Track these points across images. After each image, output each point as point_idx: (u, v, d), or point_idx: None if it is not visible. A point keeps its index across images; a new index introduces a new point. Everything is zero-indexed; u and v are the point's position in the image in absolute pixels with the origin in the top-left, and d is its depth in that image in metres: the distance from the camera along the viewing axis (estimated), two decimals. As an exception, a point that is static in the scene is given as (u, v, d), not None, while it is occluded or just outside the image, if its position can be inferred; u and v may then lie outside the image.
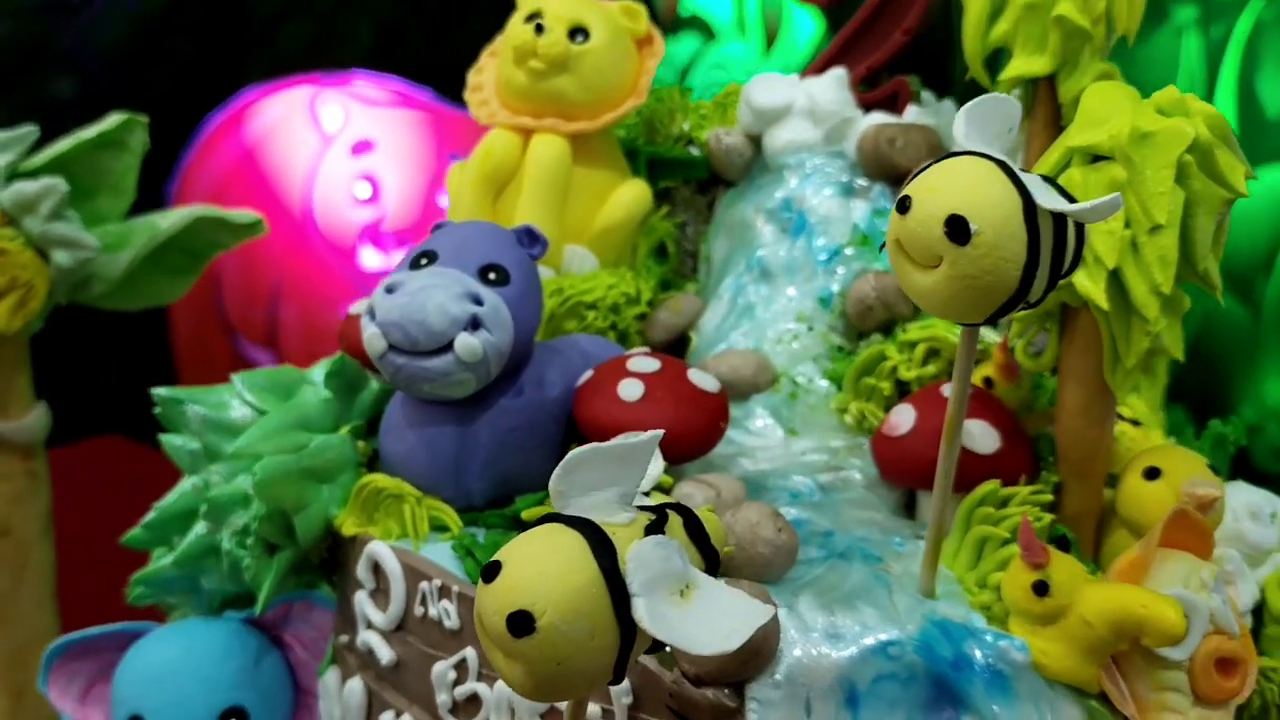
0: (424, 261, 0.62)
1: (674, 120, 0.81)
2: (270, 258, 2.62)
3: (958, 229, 0.42)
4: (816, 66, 0.78)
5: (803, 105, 0.75)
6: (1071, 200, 0.45)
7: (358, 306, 0.73)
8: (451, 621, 0.57)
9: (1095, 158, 0.53)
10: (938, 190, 0.43)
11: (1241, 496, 0.58)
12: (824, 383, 0.70)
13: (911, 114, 0.75)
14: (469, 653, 0.56)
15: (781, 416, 0.69)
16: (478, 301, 0.59)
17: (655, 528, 0.40)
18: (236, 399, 0.68)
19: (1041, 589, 0.49)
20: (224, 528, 0.65)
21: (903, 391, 0.66)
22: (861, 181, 0.74)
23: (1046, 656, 0.50)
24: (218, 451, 0.66)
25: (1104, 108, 0.53)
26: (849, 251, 0.72)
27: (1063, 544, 0.53)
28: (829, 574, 0.54)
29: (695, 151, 0.81)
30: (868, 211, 0.73)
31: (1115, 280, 0.52)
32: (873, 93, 0.77)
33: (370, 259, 2.45)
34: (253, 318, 2.53)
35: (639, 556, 0.38)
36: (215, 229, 0.89)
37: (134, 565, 0.71)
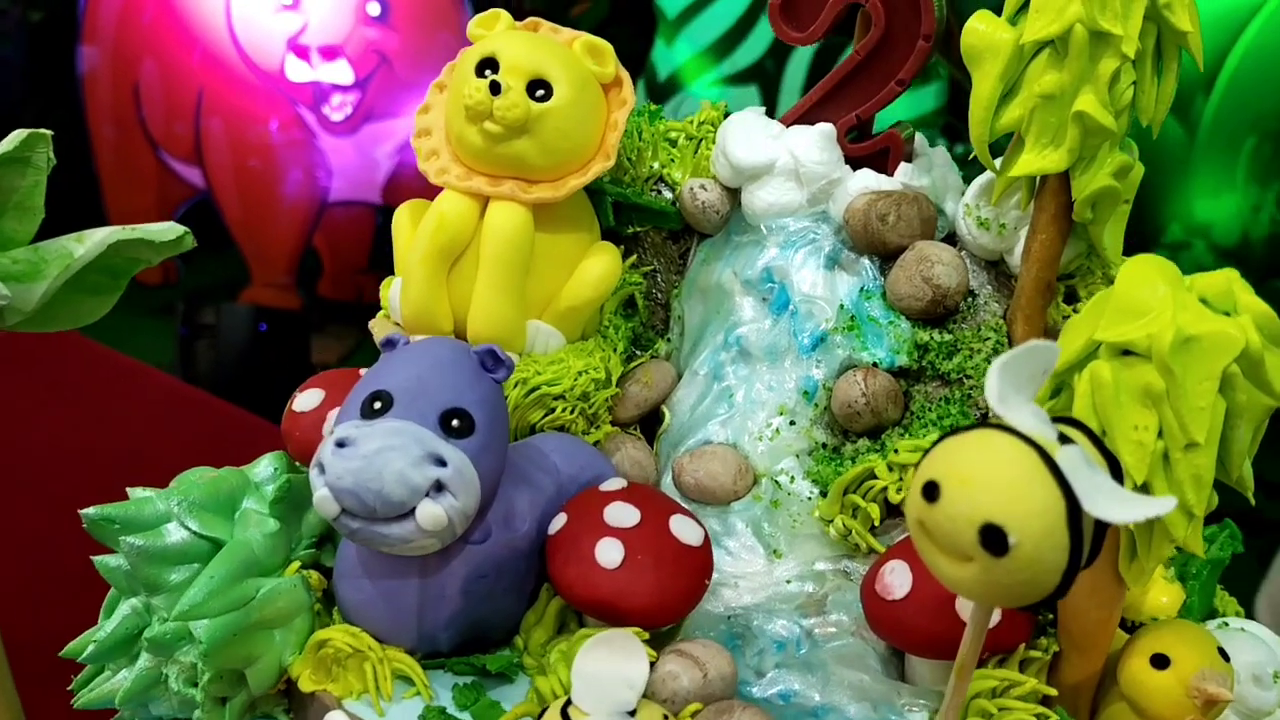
0: (377, 406, 0.56)
1: (643, 160, 0.74)
2: (190, 70, 2.47)
3: (994, 540, 0.38)
4: (800, 112, 0.71)
5: (786, 164, 0.68)
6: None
7: (301, 402, 0.66)
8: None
9: (1127, 350, 0.48)
10: (971, 486, 0.38)
11: (1243, 657, 0.56)
12: (806, 484, 0.66)
13: (903, 172, 0.69)
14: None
15: (763, 533, 0.65)
16: (440, 462, 0.54)
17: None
18: (174, 522, 0.62)
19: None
20: (169, 664, 0.61)
21: (891, 509, 0.63)
22: (849, 253, 0.68)
23: None
24: (157, 583, 0.61)
25: (1141, 295, 0.47)
26: (836, 339, 0.67)
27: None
28: (822, 774, 0.51)
29: (667, 194, 0.74)
30: (855, 290, 0.67)
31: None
32: (862, 145, 0.70)
33: (295, 71, 2.32)
34: (176, 132, 2.42)
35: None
36: (136, 247, 0.80)
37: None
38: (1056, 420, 0.41)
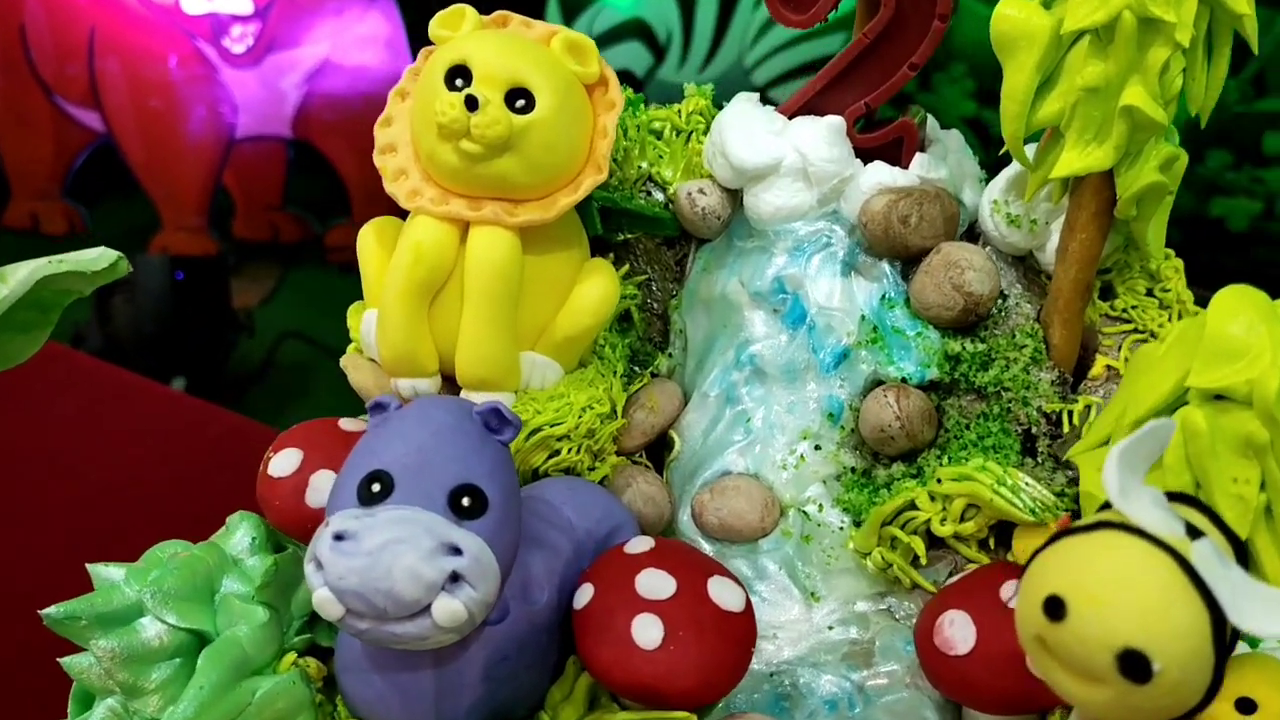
0: (376, 489, 0.49)
1: (630, 160, 0.67)
2: (79, 6, 2.31)
3: (1135, 667, 0.33)
4: (802, 101, 0.64)
5: (793, 163, 0.62)
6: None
7: (277, 466, 0.60)
8: None
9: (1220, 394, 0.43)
10: (1105, 607, 0.34)
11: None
12: (836, 513, 0.61)
13: (919, 164, 0.63)
14: None
15: (796, 573, 0.60)
16: (455, 551, 0.48)
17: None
18: (148, 616, 0.56)
19: None
20: (158, 769, 0.55)
21: (933, 540, 0.58)
22: (866, 257, 0.63)
23: None
24: (137, 686, 0.55)
25: (1237, 334, 0.43)
26: (860, 354, 0.61)
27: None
28: None
29: (658, 195, 0.67)
30: (876, 298, 0.62)
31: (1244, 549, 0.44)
32: (872, 135, 0.64)
33: (191, 2, 2.19)
34: (69, 74, 2.27)
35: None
36: (65, 279, 0.72)
37: None
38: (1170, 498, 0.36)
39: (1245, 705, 0.49)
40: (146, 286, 2.03)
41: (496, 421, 0.52)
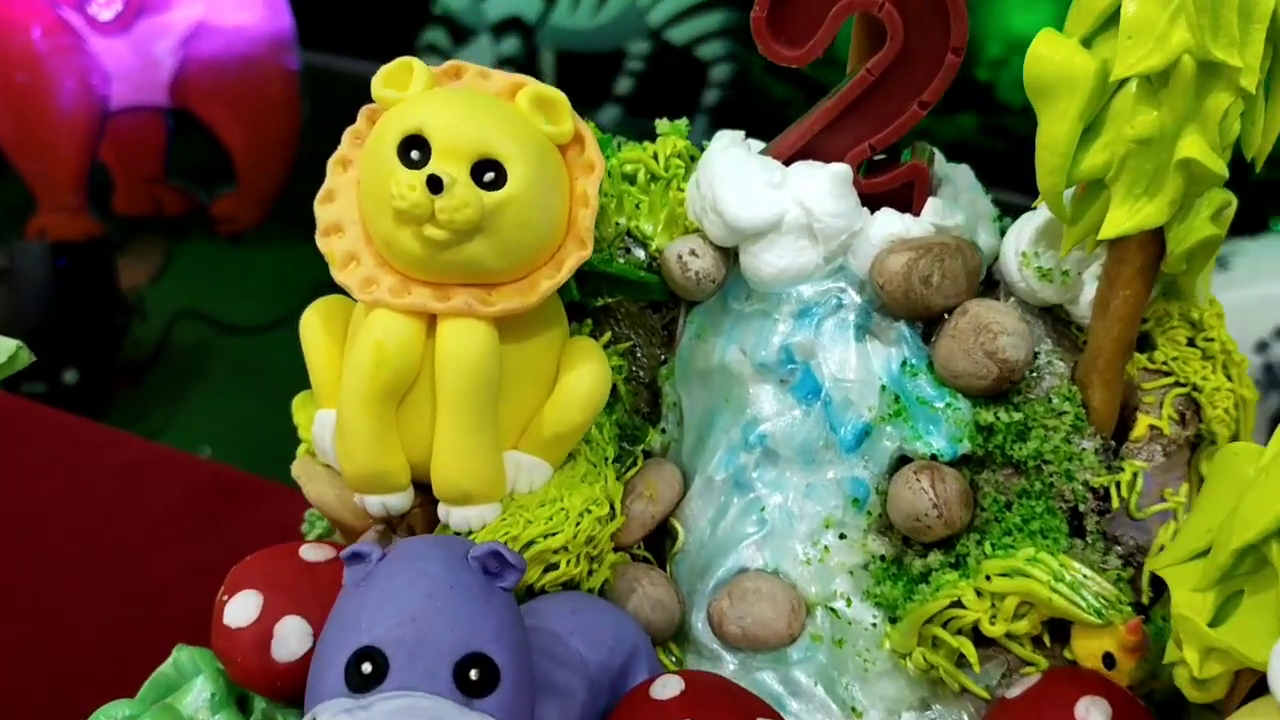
0: (367, 670, 0.42)
1: (607, 218, 0.59)
2: None
3: None
4: (799, 144, 0.57)
5: (796, 219, 0.55)
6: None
7: (234, 613, 0.51)
8: None
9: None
10: None
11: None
12: (867, 609, 0.55)
13: (933, 211, 0.57)
14: None
15: (833, 685, 0.54)
16: (468, 740, 0.41)
17: None
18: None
19: None
20: None
21: (979, 637, 0.53)
22: (881, 318, 0.57)
23: None
24: None
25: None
26: (884, 429, 0.55)
27: None
28: None
29: (639, 252, 0.60)
30: (896, 364, 0.56)
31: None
32: (880, 180, 0.57)
33: None
34: None
35: None
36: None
37: None
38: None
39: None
40: (27, 276, 1.91)
41: (497, 565, 0.45)
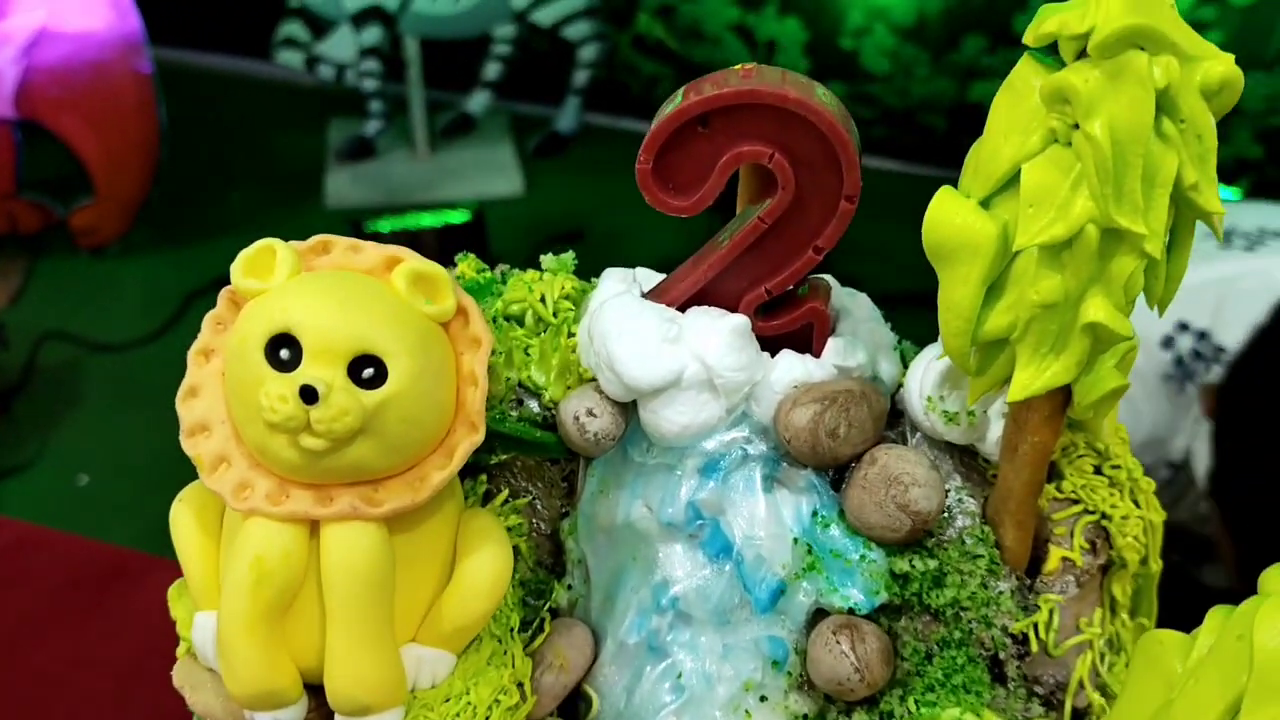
0: None
1: (496, 376, 0.56)
2: None
3: None
4: (692, 290, 0.55)
5: (695, 374, 0.53)
6: None
7: None
8: None
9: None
10: None
11: None
12: (794, 770, 0.54)
13: (833, 352, 0.55)
14: None
15: None
16: None
17: None
18: None
19: None
20: None
21: (913, 795, 0.52)
22: (788, 467, 0.55)
23: None
24: None
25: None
26: (801, 585, 0.53)
27: None
28: None
29: (532, 404, 0.57)
30: (807, 515, 0.54)
31: None
32: (777, 323, 0.55)
33: None
34: None
35: None
36: None
37: None
38: None
39: None
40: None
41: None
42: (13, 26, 2.04)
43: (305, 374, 0.45)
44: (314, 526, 0.48)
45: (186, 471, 0.51)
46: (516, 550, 0.58)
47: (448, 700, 0.51)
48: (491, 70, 2.53)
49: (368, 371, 0.46)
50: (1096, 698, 0.54)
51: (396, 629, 0.50)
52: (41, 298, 2.12)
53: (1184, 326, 1.13)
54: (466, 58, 2.59)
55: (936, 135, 2.55)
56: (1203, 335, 1.13)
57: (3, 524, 1.11)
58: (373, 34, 2.40)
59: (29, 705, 0.83)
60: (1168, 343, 1.14)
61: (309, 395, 0.45)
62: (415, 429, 0.47)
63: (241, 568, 0.47)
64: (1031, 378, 0.47)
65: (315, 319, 0.46)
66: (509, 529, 0.57)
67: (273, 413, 0.45)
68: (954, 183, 0.48)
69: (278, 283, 0.48)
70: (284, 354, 0.46)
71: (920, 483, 0.52)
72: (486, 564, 0.51)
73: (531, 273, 0.60)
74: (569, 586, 0.58)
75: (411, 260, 0.49)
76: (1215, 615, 0.41)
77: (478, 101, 2.56)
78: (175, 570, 0.57)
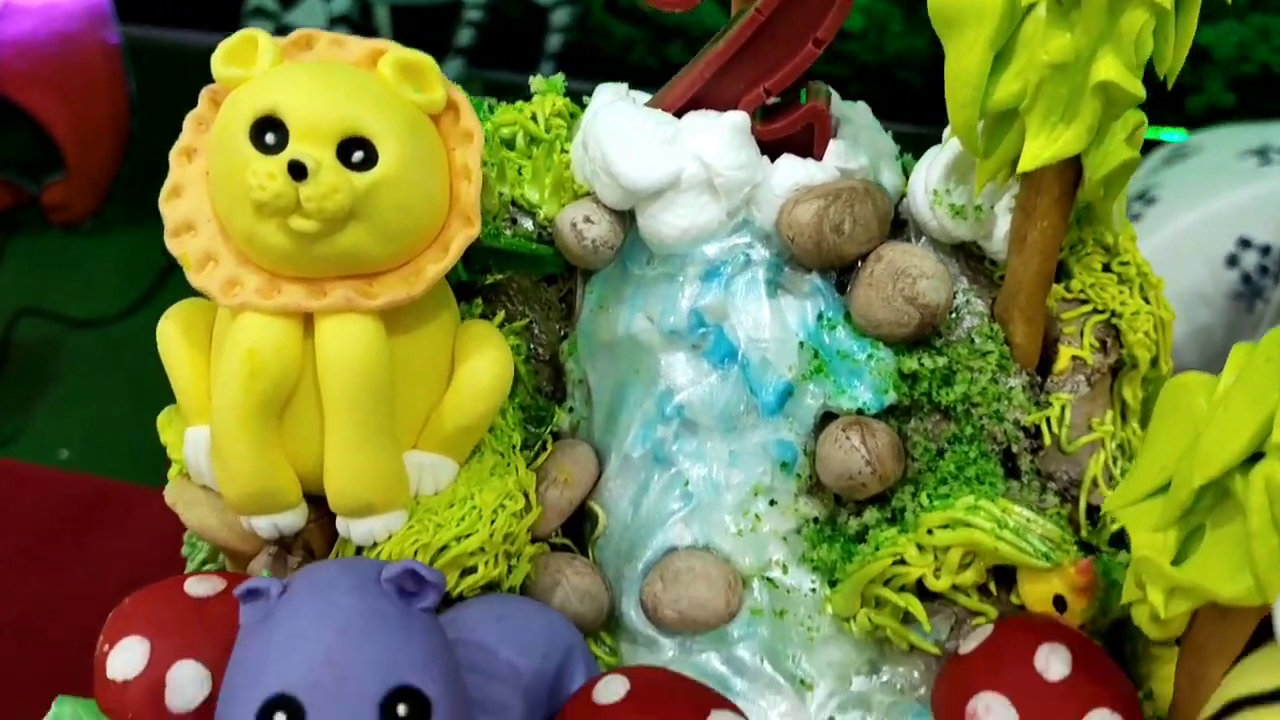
0: (281, 721, 0.37)
1: (488, 189, 0.54)
2: None
3: None
4: (690, 93, 0.53)
5: (694, 175, 0.52)
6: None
7: (118, 665, 0.46)
8: None
9: None
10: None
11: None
12: (804, 574, 0.53)
13: (835, 154, 0.54)
14: None
15: (778, 657, 0.52)
16: (404, 791, 0.37)
17: None
18: None
19: None
20: None
21: (923, 591, 0.51)
22: (792, 271, 0.54)
23: None
24: None
25: None
26: (807, 388, 0.52)
27: None
28: None
29: (526, 223, 0.55)
30: (812, 318, 0.53)
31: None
32: (777, 126, 0.54)
33: None
34: None
35: None
36: None
37: None
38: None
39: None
40: None
41: (413, 585, 0.41)
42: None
43: (292, 151, 0.44)
44: (308, 324, 0.47)
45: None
46: (516, 373, 0.57)
47: (452, 505, 0.50)
48: (464, 36, 2.50)
49: (357, 155, 0.45)
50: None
51: (398, 433, 0.49)
52: (15, 275, 2.10)
53: (1246, 243, 1.11)
54: (438, 24, 2.56)
55: (913, 91, 2.54)
56: (1266, 250, 1.11)
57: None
58: (342, 1, 2.37)
59: (20, 651, 0.81)
60: (1232, 261, 1.12)
61: (297, 171, 0.43)
62: (408, 217, 0.46)
63: (234, 362, 0.46)
64: (1042, 147, 0.46)
65: (301, 99, 0.45)
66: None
67: (261, 190, 0.43)
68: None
69: (260, 70, 0.46)
70: (269, 138, 0.45)
71: (928, 275, 0.51)
72: (485, 366, 0.50)
73: (519, 103, 0.59)
74: (570, 409, 0.57)
75: (398, 50, 0.48)
76: (1239, 352, 0.40)
77: (451, 69, 2.53)
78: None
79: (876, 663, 0.52)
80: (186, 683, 0.45)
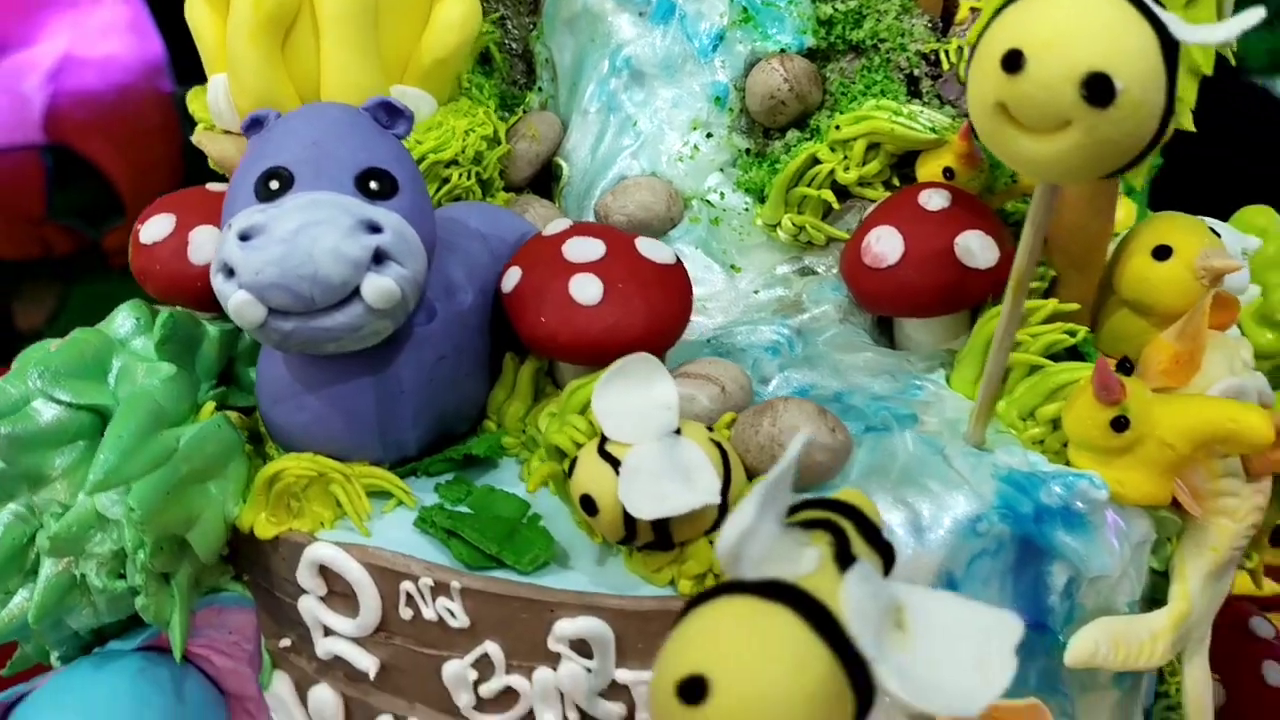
0: (275, 186, 0.46)
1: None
2: None
3: (1099, 90, 0.34)
4: None
5: None
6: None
7: (150, 232, 0.55)
8: (459, 621, 0.47)
9: None
10: (1065, 43, 0.34)
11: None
12: (739, 196, 0.61)
13: None
14: (490, 648, 0.47)
15: (714, 251, 0.60)
16: (375, 228, 0.45)
17: (844, 555, 0.33)
18: (40, 398, 0.51)
19: (1121, 424, 0.46)
20: (82, 561, 0.50)
21: (839, 193, 0.59)
22: (719, -63, 0.62)
23: (1124, 486, 0.47)
24: (40, 474, 0.50)
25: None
26: (735, 35, 0.61)
27: (1124, 366, 0.49)
28: (874, 454, 0.48)
29: (495, -77, 0.65)
30: (739, -23, 0.61)
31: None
32: None
33: None
34: None
35: (860, 611, 0.30)
36: None
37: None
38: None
39: (1162, 252, 0.52)
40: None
41: (387, 116, 0.49)
42: (38, 54, 2.12)
43: None
44: (306, -40, 0.56)
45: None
46: (488, 56, 0.66)
47: (430, 129, 0.59)
48: None
49: None
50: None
51: (384, 68, 0.58)
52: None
53: None
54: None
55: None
56: None
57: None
58: None
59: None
60: None
61: None
62: None
63: (245, -14, 0.55)
64: None
65: None
66: (484, 33, 0.65)
67: None
68: None
69: None
70: None
71: (834, -78, 0.59)
72: (456, 5, 0.59)
73: None
74: (539, 89, 0.66)
75: None
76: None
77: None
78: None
79: (799, 257, 0.60)
80: (205, 241, 0.54)
